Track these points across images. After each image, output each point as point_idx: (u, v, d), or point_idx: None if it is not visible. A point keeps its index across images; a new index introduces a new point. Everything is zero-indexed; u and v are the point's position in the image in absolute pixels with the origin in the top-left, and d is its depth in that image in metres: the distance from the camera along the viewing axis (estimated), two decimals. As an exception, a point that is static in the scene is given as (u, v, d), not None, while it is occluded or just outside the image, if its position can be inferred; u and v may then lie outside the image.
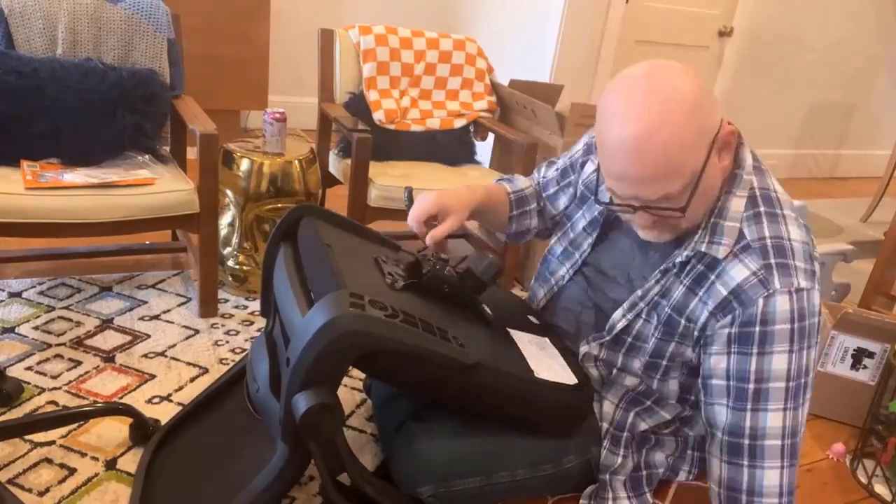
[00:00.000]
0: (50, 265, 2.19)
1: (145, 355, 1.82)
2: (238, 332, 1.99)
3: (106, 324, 1.94)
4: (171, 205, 1.85)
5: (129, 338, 1.89)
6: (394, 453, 1.18)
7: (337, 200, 2.34)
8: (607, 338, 1.22)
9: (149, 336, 1.91)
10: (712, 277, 1.10)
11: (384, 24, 2.50)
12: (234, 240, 2.21)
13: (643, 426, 1.24)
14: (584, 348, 1.26)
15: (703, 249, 1.11)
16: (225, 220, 2.21)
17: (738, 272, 1.08)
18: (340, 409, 1.00)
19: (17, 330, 1.86)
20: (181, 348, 1.88)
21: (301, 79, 3.75)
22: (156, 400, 1.66)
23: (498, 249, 2.53)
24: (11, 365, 1.71)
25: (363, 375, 1.77)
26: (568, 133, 2.28)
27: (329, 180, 2.49)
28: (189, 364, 1.81)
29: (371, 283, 1.12)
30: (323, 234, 1.22)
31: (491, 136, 2.68)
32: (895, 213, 2.48)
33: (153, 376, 1.75)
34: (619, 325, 1.20)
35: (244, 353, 1.88)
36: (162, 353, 1.84)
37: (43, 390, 1.64)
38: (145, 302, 2.08)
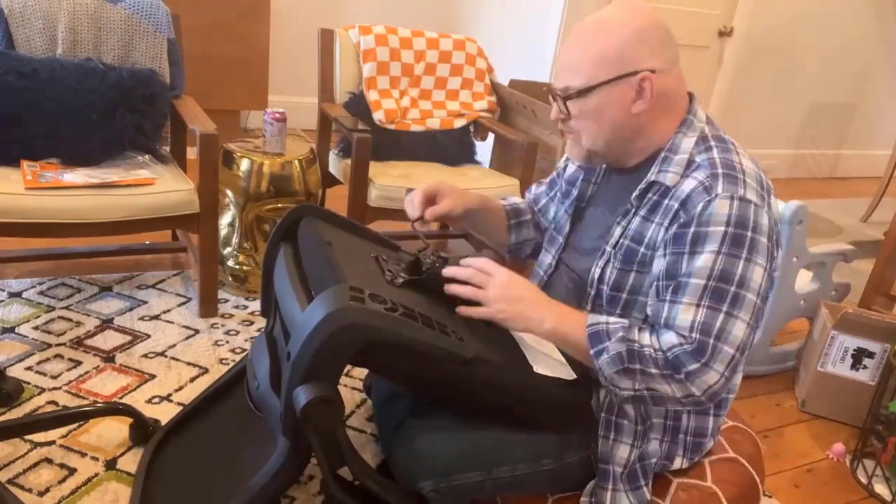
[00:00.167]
0: (50, 265, 2.19)
1: (145, 355, 1.82)
2: (238, 332, 1.99)
3: (106, 324, 1.94)
4: (171, 205, 1.85)
5: (129, 338, 1.89)
6: (394, 450, 1.18)
7: (337, 200, 2.34)
8: (591, 292, 1.23)
9: (149, 336, 1.91)
10: (665, 202, 1.13)
11: (384, 24, 2.50)
12: (234, 240, 2.21)
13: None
14: None
15: (653, 178, 1.15)
16: (225, 220, 2.21)
17: (688, 185, 1.11)
18: (341, 402, 1.00)
19: (17, 330, 1.86)
20: (181, 348, 1.88)
21: (301, 79, 3.75)
22: (156, 400, 1.67)
23: (498, 249, 2.52)
24: (11, 365, 1.71)
25: (363, 375, 1.77)
26: (568, 133, 2.28)
27: (329, 180, 2.49)
28: (189, 364, 1.81)
29: (371, 280, 1.12)
30: (323, 233, 1.23)
31: (491, 136, 2.67)
32: (895, 213, 2.48)
33: (153, 376, 1.75)
34: (595, 274, 1.21)
35: (244, 353, 1.88)
36: (162, 353, 1.84)
37: (43, 390, 1.64)
38: (145, 302, 2.08)
